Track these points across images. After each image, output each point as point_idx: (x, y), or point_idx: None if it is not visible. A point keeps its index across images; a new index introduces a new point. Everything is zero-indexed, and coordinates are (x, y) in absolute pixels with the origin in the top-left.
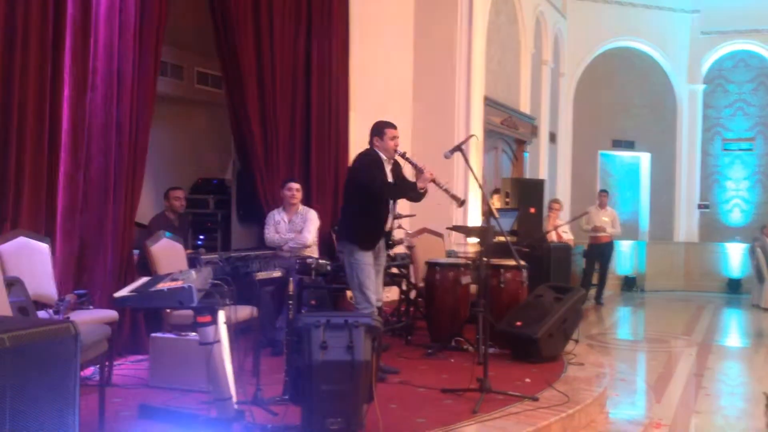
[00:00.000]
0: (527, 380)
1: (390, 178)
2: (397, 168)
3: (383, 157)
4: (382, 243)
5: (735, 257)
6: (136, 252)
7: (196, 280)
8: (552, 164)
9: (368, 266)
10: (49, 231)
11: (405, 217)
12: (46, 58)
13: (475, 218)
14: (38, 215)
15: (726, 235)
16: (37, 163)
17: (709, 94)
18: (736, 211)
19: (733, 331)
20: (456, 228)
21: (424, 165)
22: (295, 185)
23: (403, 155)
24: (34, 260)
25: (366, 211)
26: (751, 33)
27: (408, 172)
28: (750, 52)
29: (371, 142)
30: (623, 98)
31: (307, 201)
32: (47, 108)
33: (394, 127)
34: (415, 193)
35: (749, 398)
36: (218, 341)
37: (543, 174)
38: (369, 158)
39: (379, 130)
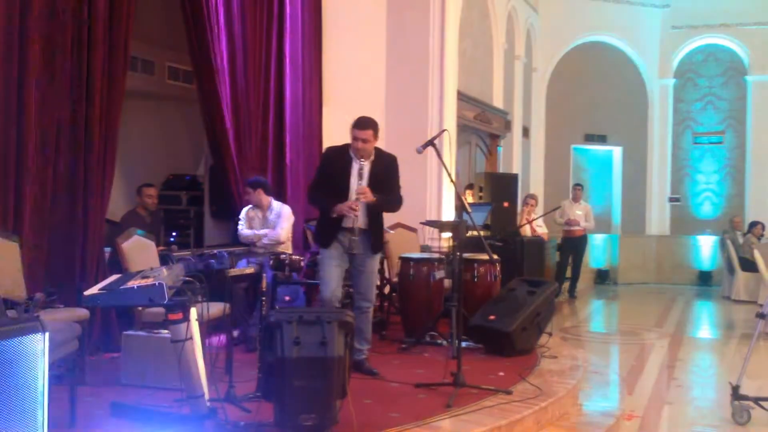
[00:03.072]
0: (501, 374)
1: (358, 178)
2: (377, 168)
3: (353, 154)
4: (358, 242)
5: (706, 250)
6: (107, 249)
7: (167, 277)
8: (525, 158)
9: (327, 260)
10: (18, 228)
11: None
12: (13, 52)
13: (448, 213)
14: (6, 213)
15: (697, 227)
16: (5, 160)
17: (680, 88)
18: (706, 204)
19: (705, 322)
20: (430, 223)
21: (361, 195)
22: (249, 188)
23: (360, 169)
24: (2, 258)
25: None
26: (721, 27)
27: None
28: (720, 46)
29: None
30: (595, 92)
31: (281, 196)
32: (15, 103)
33: (359, 127)
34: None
35: (720, 389)
36: (190, 338)
37: (516, 168)
38: (329, 153)
39: (351, 127)
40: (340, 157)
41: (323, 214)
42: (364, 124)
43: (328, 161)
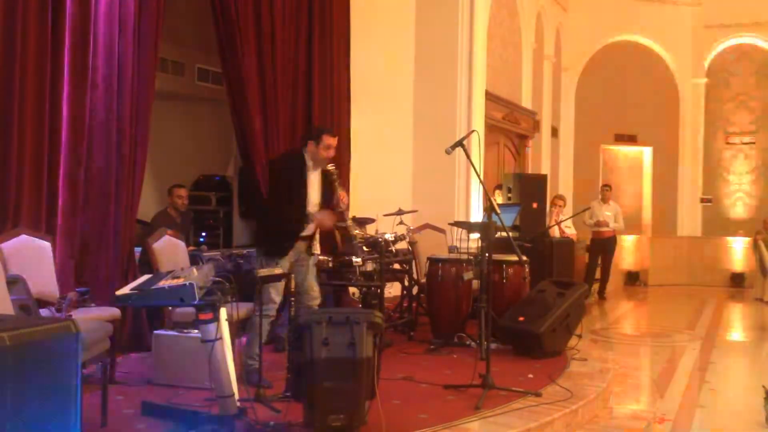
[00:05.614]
0: (530, 376)
1: (316, 188)
2: (328, 177)
3: (309, 163)
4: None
5: (738, 251)
6: (138, 249)
7: (198, 277)
8: (554, 159)
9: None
10: (50, 229)
11: (407, 213)
12: (45, 57)
13: (477, 214)
14: (39, 213)
15: (729, 229)
16: (38, 161)
17: (712, 87)
18: (738, 205)
19: (737, 325)
20: (458, 223)
21: (342, 198)
22: None
23: (330, 172)
24: (35, 258)
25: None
26: (754, 26)
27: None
28: (752, 45)
29: (303, 144)
30: (625, 92)
31: None
32: (47, 106)
33: (333, 135)
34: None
35: (753, 392)
36: (220, 338)
37: (545, 169)
38: (288, 162)
39: (317, 135)
40: (297, 165)
41: (278, 225)
42: (334, 130)
43: (287, 170)
